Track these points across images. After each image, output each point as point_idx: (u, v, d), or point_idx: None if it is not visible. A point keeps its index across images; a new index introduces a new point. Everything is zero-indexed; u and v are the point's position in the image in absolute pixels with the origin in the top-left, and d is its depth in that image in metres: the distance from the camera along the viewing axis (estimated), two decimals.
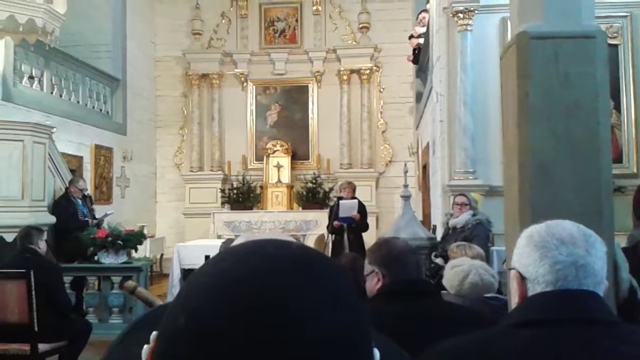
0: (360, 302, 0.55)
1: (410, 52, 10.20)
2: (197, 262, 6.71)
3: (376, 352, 0.55)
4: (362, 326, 0.53)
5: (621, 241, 2.68)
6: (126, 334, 0.94)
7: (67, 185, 7.30)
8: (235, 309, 0.49)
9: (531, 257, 1.27)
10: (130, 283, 2.77)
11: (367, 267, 2.18)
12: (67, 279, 5.93)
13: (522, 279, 1.29)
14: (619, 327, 1.26)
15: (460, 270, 2.70)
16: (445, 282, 2.74)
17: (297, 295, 0.50)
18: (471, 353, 1.26)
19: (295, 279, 0.51)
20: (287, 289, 0.50)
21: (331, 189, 11.70)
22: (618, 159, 6.24)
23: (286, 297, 0.49)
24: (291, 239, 0.72)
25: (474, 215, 5.29)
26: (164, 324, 0.53)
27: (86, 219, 7.15)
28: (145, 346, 0.55)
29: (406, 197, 6.07)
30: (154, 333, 0.55)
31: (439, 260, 4.74)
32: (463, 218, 5.27)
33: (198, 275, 0.55)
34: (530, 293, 1.28)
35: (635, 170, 6.39)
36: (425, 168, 9.39)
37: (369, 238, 8.25)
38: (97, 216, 7.44)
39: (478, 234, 5.08)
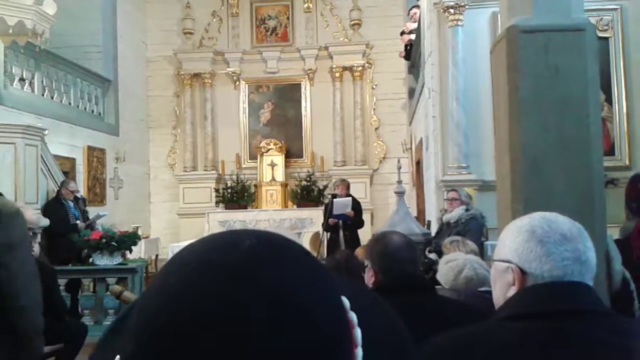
0: (326, 316, 0.50)
1: (402, 48, 10.20)
2: None
3: (345, 300, 0.53)
4: (326, 339, 0.48)
5: (614, 233, 2.69)
6: (110, 330, 0.92)
7: (59, 187, 7.27)
8: (179, 318, 0.47)
9: (534, 252, 1.26)
10: (116, 287, 2.74)
11: (365, 261, 2.19)
12: (62, 282, 5.91)
13: (523, 273, 1.28)
14: (611, 319, 1.26)
15: (454, 265, 2.71)
16: (439, 276, 2.74)
17: (242, 305, 0.47)
18: (465, 347, 1.26)
19: (238, 288, 0.48)
20: (231, 299, 0.47)
21: (325, 187, 11.69)
22: (610, 152, 6.27)
23: (231, 307, 0.46)
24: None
25: (467, 210, 5.31)
26: (127, 333, 0.52)
27: (77, 221, 7.10)
28: (117, 357, 0.54)
29: (400, 193, 6.07)
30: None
31: (432, 256, 4.74)
32: (456, 213, 5.28)
33: (159, 277, 0.53)
34: None
35: (627, 163, 6.40)
36: (418, 164, 9.40)
37: (365, 235, 8.25)
38: (90, 218, 7.40)
39: (471, 229, 5.09)
